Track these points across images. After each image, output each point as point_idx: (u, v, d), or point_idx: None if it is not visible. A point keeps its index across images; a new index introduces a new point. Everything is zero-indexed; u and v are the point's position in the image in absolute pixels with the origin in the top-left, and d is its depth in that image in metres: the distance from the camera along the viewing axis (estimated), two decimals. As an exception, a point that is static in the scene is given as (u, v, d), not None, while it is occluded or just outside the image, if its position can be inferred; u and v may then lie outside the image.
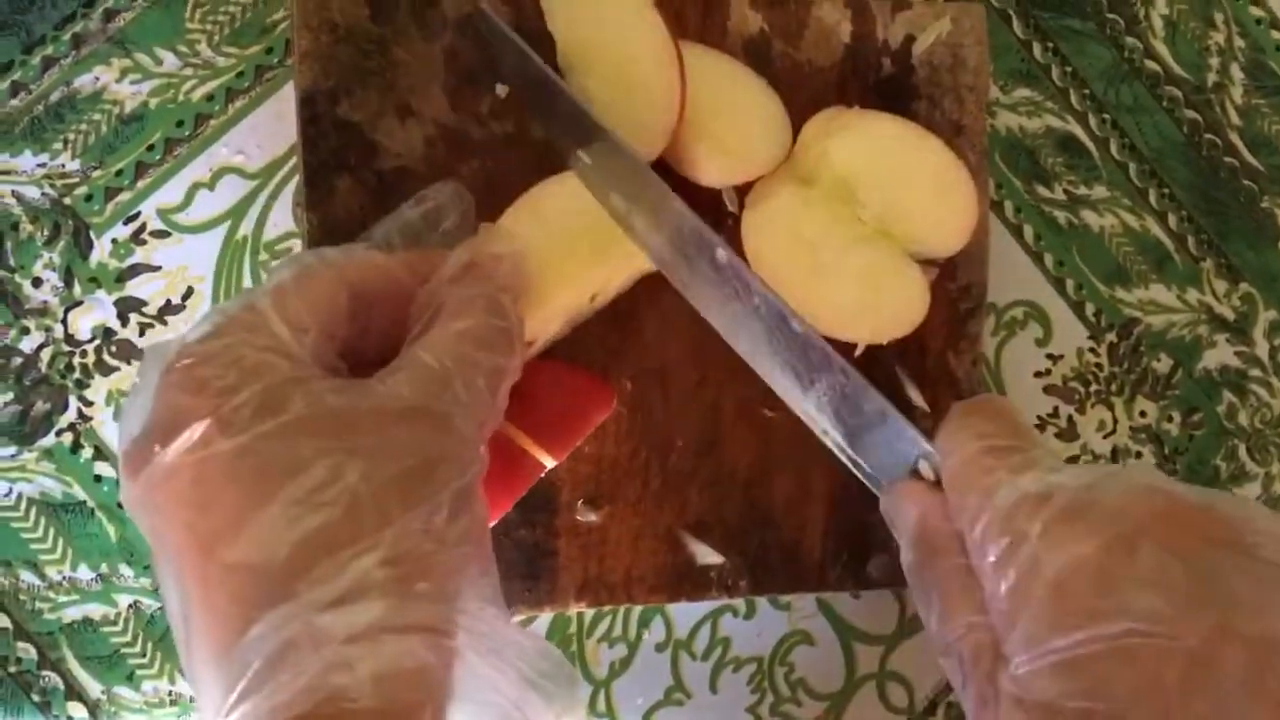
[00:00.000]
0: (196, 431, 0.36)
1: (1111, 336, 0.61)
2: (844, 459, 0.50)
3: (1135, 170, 0.61)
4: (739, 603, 0.57)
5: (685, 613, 0.57)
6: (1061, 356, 0.60)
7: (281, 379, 0.37)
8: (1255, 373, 0.62)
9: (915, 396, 0.55)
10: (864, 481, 0.50)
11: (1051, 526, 0.38)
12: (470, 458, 0.39)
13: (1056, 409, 0.60)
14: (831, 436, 0.49)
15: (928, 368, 0.56)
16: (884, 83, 0.56)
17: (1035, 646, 0.37)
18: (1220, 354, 0.62)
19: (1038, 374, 0.60)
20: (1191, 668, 0.34)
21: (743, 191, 0.53)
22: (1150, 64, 0.62)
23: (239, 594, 0.35)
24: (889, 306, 0.52)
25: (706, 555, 0.54)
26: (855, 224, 0.52)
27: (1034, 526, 0.38)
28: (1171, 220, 0.62)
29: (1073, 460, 0.60)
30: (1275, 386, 0.62)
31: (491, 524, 0.48)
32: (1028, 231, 0.60)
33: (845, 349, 0.53)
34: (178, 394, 0.37)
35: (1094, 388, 0.60)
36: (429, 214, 0.47)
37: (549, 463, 0.50)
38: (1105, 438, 0.60)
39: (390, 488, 0.36)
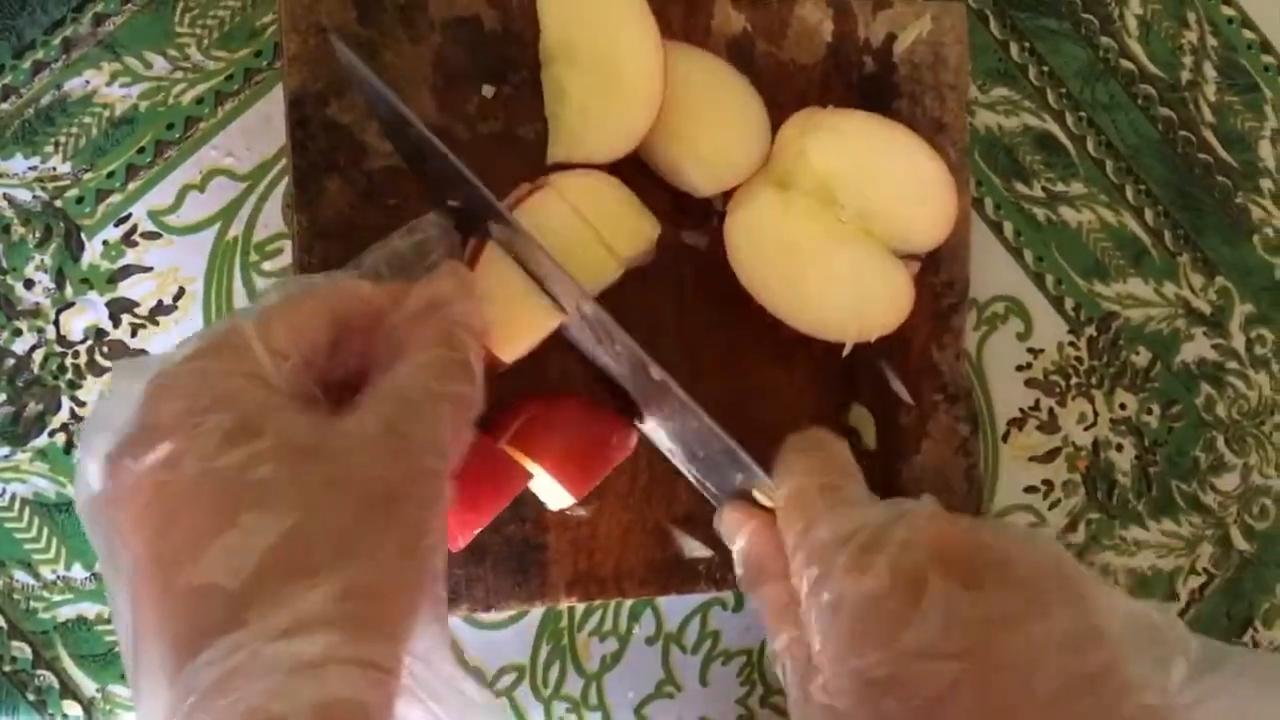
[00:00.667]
0: (163, 451, 0.36)
1: (1091, 330, 0.62)
2: (694, 481, 0.53)
3: (1112, 167, 0.63)
4: (728, 596, 0.58)
5: (675, 606, 0.58)
6: (1042, 350, 0.61)
7: (255, 406, 0.38)
8: (1232, 365, 0.63)
9: (900, 391, 0.56)
10: (709, 499, 0.52)
11: (853, 560, 0.42)
12: (435, 492, 0.40)
13: (1038, 402, 0.61)
14: (685, 465, 0.53)
15: (911, 362, 0.57)
16: (866, 81, 0.57)
17: (838, 665, 0.41)
18: (1198, 347, 0.63)
19: (1019, 368, 0.61)
20: (962, 680, 0.39)
21: (728, 192, 0.54)
22: (1125, 63, 0.63)
23: (191, 617, 0.35)
24: (874, 304, 0.53)
25: (695, 549, 0.54)
26: (836, 224, 0.53)
27: (839, 560, 0.42)
28: (1148, 216, 0.63)
29: (1054, 453, 0.61)
30: (1252, 379, 0.63)
31: (481, 527, 0.49)
32: (1008, 228, 0.61)
33: (833, 347, 0.53)
34: (154, 410, 0.37)
35: (1074, 381, 0.61)
36: (418, 245, 0.48)
37: (570, 499, 0.52)
38: (1086, 430, 0.61)
39: (349, 521, 0.37)
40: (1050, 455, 0.61)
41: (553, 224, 0.50)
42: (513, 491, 0.50)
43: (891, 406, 0.57)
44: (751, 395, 0.55)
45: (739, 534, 0.48)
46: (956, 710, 0.39)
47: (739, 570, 0.48)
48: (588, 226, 0.51)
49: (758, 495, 0.48)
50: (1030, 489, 0.61)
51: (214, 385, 0.38)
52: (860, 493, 0.46)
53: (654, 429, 0.52)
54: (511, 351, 0.49)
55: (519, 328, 0.49)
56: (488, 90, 0.53)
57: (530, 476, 0.50)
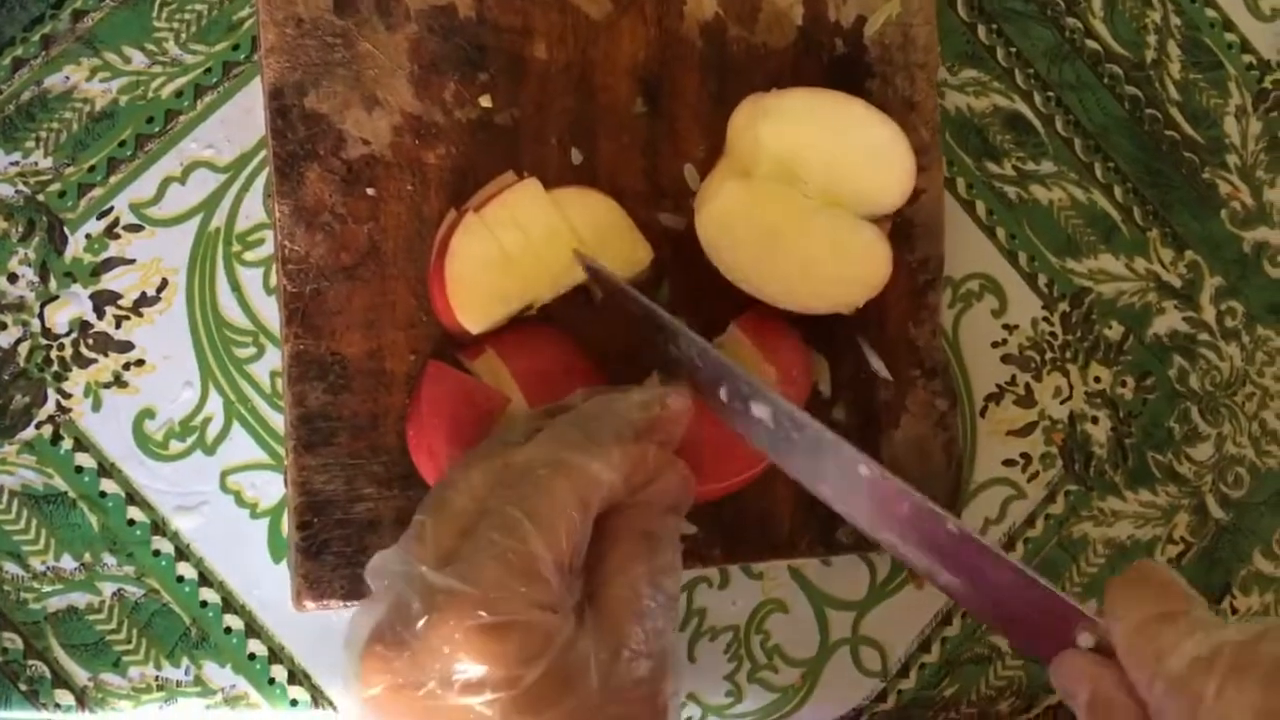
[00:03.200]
0: (488, 694, 0.38)
1: (1064, 306, 0.63)
2: (1010, 640, 0.51)
3: (1080, 145, 0.64)
4: (714, 573, 0.59)
5: (661, 584, 0.58)
6: (1017, 326, 0.62)
7: (563, 649, 0.39)
8: (1204, 337, 0.64)
9: (878, 366, 0.57)
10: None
11: (1225, 684, 0.39)
12: None
13: (1014, 377, 0.62)
14: (996, 624, 0.49)
15: (889, 338, 0.58)
16: (837, 63, 0.57)
17: None
18: (1169, 320, 0.64)
19: (995, 344, 0.62)
20: None
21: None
22: (1091, 43, 0.64)
23: None
24: (854, 270, 0.53)
25: (682, 526, 0.55)
26: (803, 201, 0.53)
27: (1209, 686, 0.39)
28: (1117, 193, 0.64)
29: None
30: (1223, 350, 0.64)
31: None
32: (980, 207, 0.62)
33: (813, 322, 0.54)
34: (481, 646, 0.38)
35: (1049, 355, 0.62)
36: (652, 422, 0.46)
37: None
38: (1062, 403, 0.62)
39: None
40: (1027, 429, 0.62)
41: (536, 226, 0.51)
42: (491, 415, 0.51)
43: (870, 382, 0.57)
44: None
45: (1080, 683, 0.44)
46: None
47: None
48: (575, 237, 0.52)
49: (1082, 640, 0.45)
50: (1008, 462, 0.62)
51: (530, 627, 0.39)
52: (1207, 615, 0.42)
53: (962, 593, 0.47)
54: (477, 323, 0.50)
55: (489, 301, 0.51)
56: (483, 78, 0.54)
57: (507, 401, 0.51)
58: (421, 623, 0.38)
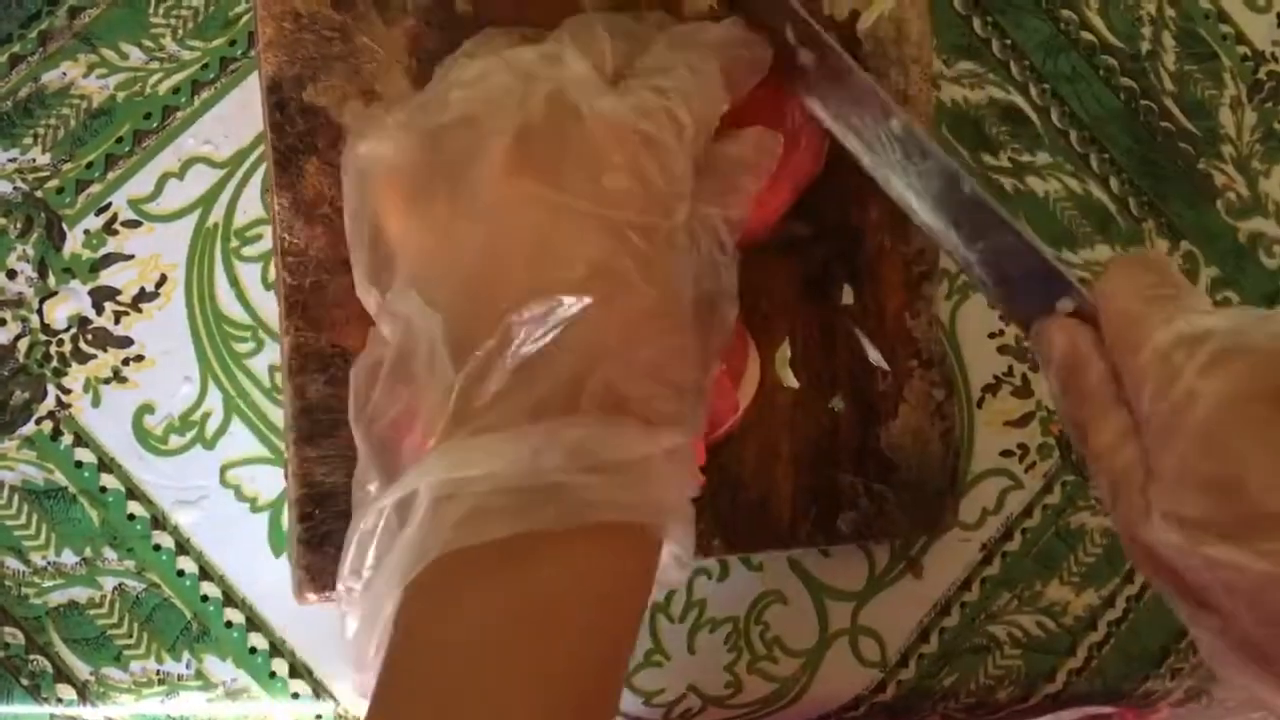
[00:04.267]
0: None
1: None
2: (996, 304, 0.50)
3: (1076, 137, 0.64)
4: (713, 565, 0.59)
5: (661, 576, 0.59)
6: (1014, 317, 0.62)
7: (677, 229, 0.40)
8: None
9: (875, 357, 0.57)
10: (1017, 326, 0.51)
11: (1207, 365, 0.39)
12: None
13: (1011, 368, 0.62)
14: (990, 286, 0.50)
15: (886, 329, 0.58)
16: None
17: (1190, 469, 0.39)
18: (1165, 310, 0.64)
19: (991, 335, 0.62)
20: None
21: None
22: (1086, 35, 0.64)
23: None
24: None
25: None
26: None
27: (1191, 364, 0.39)
28: (1113, 184, 0.64)
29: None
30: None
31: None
32: (976, 198, 0.62)
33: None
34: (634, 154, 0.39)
35: (1046, 346, 0.62)
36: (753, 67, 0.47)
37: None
38: (1059, 394, 0.62)
39: None
40: (1024, 419, 0.62)
41: None
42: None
43: (867, 373, 0.58)
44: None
45: (1057, 339, 0.46)
46: None
47: (1054, 383, 0.46)
48: None
49: (1063, 306, 0.46)
50: (1006, 453, 0.62)
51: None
52: (1202, 302, 0.43)
53: (974, 263, 0.49)
54: None
55: None
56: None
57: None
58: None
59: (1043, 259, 0.46)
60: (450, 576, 0.36)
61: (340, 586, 0.40)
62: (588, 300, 0.37)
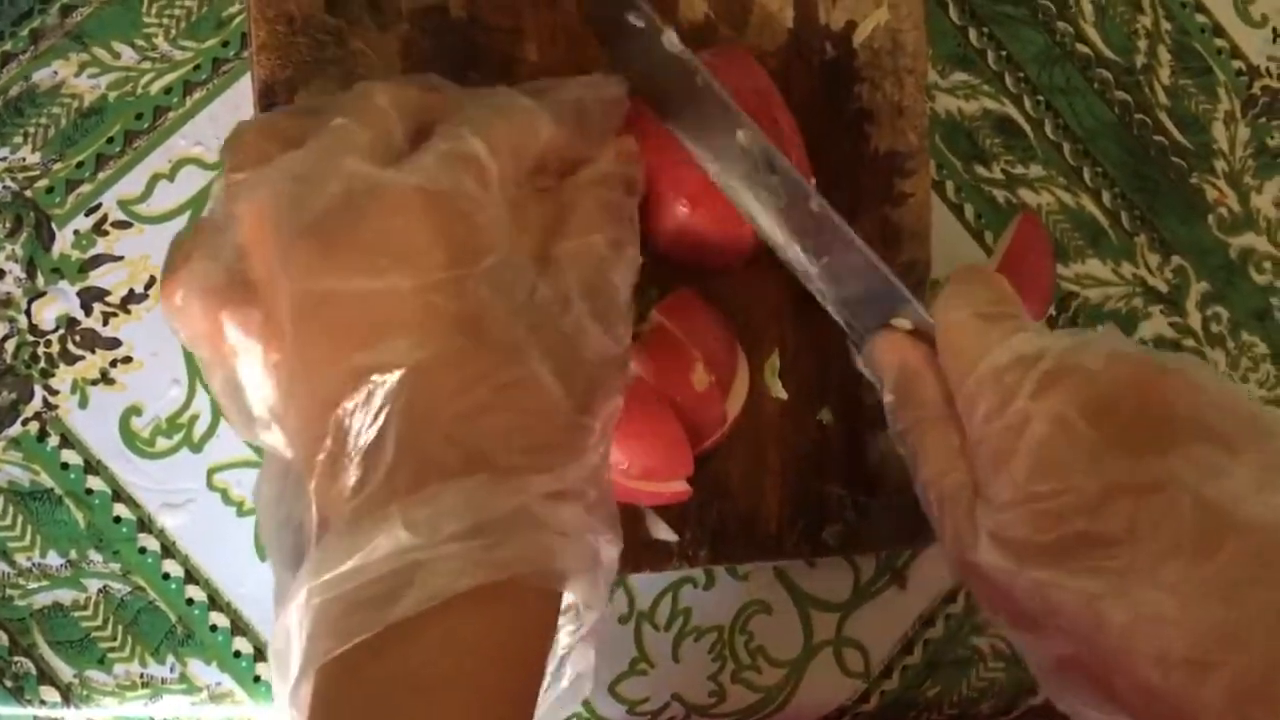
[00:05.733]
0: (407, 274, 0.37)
1: (1050, 310, 0.63)
2: (837, 318, 0.51)
3: (1069, 150, 0.64)
4: (699, 574, 0.59)
5: (647, 585, 0.59)
6: (1003, 330, 0.62)
7: (501, 267, 0.39)
8: (1189, 343, 0.64)
9: (864, 368, 0.57)
10: (852, 342, 0.51)
11: (1040, 386, 0.40)
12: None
13: (1000, 380, 0.62)
14: (836, 309, 0.51)
15: (875, 341, 0.58)
16: (827, 66, 0.57)
17: (1014, 492, 0.40)
18: (1155, 325, 0.64)
19: (981, 347, 0.62)
20: (1138, 515, 0.38)
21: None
22: (1081, 47, 0.64)
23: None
24: None
25: (665, 531, 0.55)
26: None
27: (1024, 385, 0.41)
28: (1105, 197, 0.64)
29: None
30: (1208, 355, 0.64)
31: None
32: (968, 210, 0.62)
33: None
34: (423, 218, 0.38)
35: (1035, 359, 0.62)
36: (606, 106, 0.46)
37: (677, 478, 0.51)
38: (1047, 407, 0.62)
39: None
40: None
41: None
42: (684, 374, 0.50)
43: (856, 385, 0.57)
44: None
45: (889, 355, 0.47)
46: (1151, 546, 0.38)
47: (888, 398, 0.47)
48: None
49: (898, 323, 0.48)
50: (993, 465, 0.62)
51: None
52: (1030, 323, 0.44)
53: (814, 277, 0.50)
54: None
55: None
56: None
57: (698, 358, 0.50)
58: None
59: (883, 277, 0.47)
60: (339, 678, 0.35)
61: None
62: (400, 371, 0.36)
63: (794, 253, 0.49)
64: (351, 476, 0.36)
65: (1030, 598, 0.40)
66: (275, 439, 0.39)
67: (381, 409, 0.35)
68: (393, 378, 0.36)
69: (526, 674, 0.38)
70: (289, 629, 0.36)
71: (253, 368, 0.38)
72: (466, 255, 0.37)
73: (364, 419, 0.36)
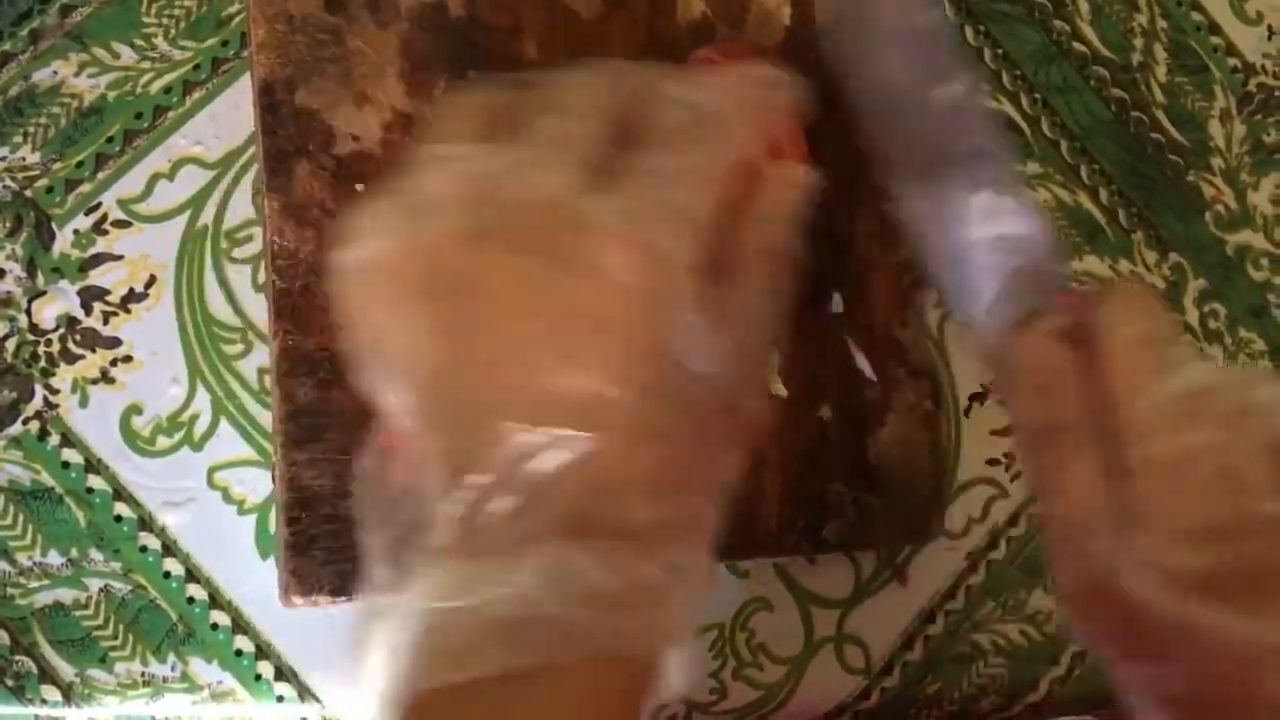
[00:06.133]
0: None
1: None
2: (947, 284, 0.49)
3: (1066, 147, 0.64)
4: (699, 571, 0.59)
5: (647, 582, 0.59)
6: (1002, 327, 0.62)
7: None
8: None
9: (864, 365, 0.57)
10: (962, 315, 0.49)
11: (1224, 418, 0.40)
12: None
13: (999, 377, 0.62)
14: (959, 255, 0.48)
15: (875, 338, 0.58)
16: (824, 63, 0.58)
17: (1191, 521, 0.39)
18: (1153, 321, 0.64)
19: (980, 344, 0.62)
20: None
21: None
22: (1078, 45, 0.65)
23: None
24: None
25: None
26: None
27: (1206, 415, 0.40)
28: (1102, 195, 0.64)
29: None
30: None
31: None
32: (966, 208, 0.62)
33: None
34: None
35: (1034, 356, 0.63)
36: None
37: None
38: (1046, 404, 0.63)
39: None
40: (1010, 429, 0.62)
41: None
42: None
43: (856, 382, 0.58)
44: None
45: (1033, 365, 0.44)
46: None
47: (1025, 401, 0.44)
48: None
49: (1042, 323, 0.45)
50: (992, 462, 0.62)
51: None
52: (1191, 350, 0.44)
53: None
54: None
55: None
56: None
57: None
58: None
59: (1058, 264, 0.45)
60: (435, 712, 0.34)
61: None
62: (590, 435, 0.34)
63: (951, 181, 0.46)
64: (498, 508, 0.34)
65: (1177, 632, 0.39)
66: (403, 415, 0.37)
67: (554, 455, 0.34)
68: (580, 439, 0.34)
69: None
70: (390, 632, 0.35)
71: (410, 341, 0.36)
72: (659, 312, 0.35)
73: (540, 457, 0.34)
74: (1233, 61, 0.66)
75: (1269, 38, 0.66)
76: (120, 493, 0.55)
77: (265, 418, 0.56)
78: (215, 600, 0.55)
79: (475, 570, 0.34)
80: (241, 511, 0.55)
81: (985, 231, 0.46)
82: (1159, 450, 0.40)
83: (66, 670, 0.54)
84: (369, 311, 0.37)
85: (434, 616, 0.34)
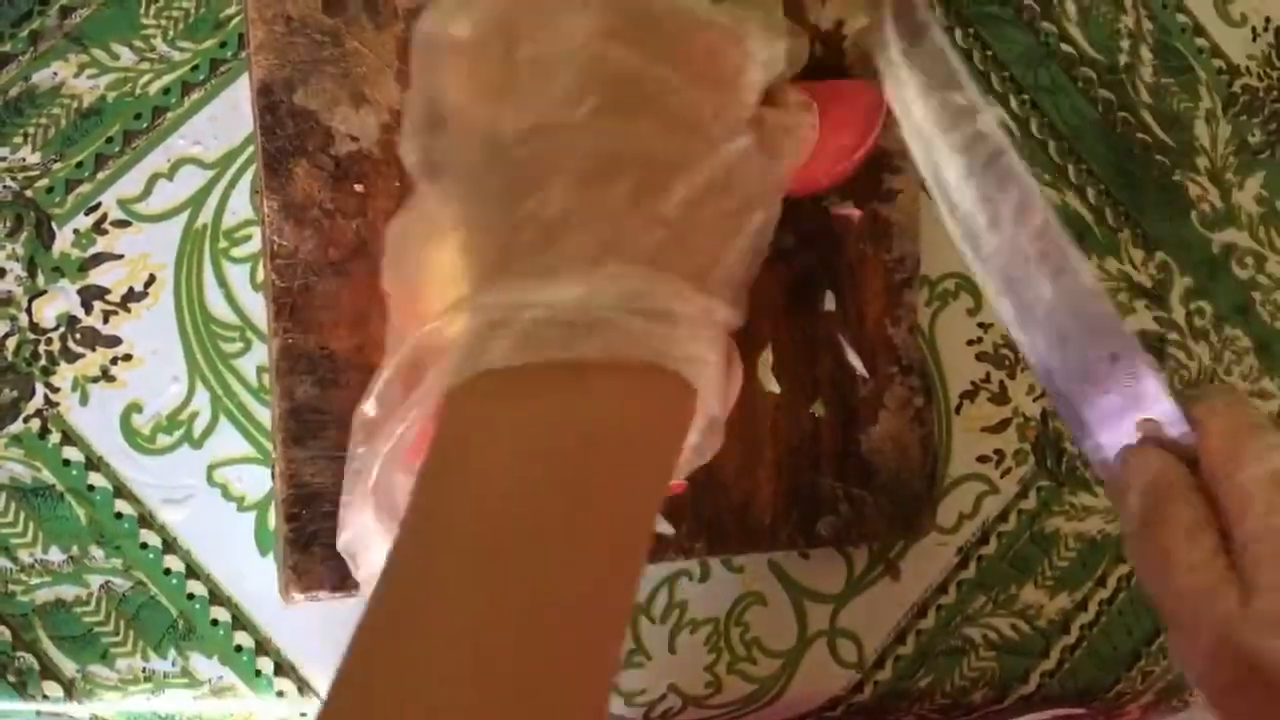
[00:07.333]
0: None
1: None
2: (1059, 406, 0.50)
3: (1054, 148, 0.65)
4: (694, 567, 0.60)
5: (643, 578, 0.59)
6: (992, 324, 0.63)
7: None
8: (1173, 336, 0.65)
9: (855, 363, 0.58)
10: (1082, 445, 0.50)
11: None
12: None
13: (989, 374, 0.63)
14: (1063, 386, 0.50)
15: (867, 335, 0.59)
16: (816, 65, 0.58)
17: None
18: (1140, 320, 0.65)
19: (970, 341, 0.63)
20: None
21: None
22: (1065, 47, 0.65)
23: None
24: None
25: (661, 524, 0.56)
26: None
27: None
28: (1090, 194, 0.65)
29: (1005, 422, 0.63)
30: (1192, 349, 0.66)
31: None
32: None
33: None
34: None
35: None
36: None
37: None
38: (1035, 400, 0.63)
39: None
40: (1001, 425, 0.63)
41: None
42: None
43: (849, 379, 0.58)
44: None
45: (1149, 465, 0.47)
46: None
47: (1135, 503, 0.46)
48: None
49: (1139, 432, 0.48)
50: (982, 458, 0.63)
51: None
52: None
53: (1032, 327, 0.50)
54: None
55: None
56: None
57: None
58: None
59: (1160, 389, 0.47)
60: (491, 399, 0.36)
61: (365, 406, 0.42)
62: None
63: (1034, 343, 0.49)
64: (563, 228, 0.37)
65: None
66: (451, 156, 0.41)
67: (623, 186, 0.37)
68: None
69: (664, 465, 0.40)
70: (465, 324, 0.37)
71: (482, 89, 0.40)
72: (732, 104, 0.41)
73: (601, 182, 0.37)
74: (1218, 63, 0.67)
75: (1253, 39, 0.67)
76: (121, 490, 0.55)
77: (264, 415, 0.56)
78: (215, 596, 0.56)
79: (536, 282, 0.36)
80: (241, 508, 0.56)
81: (1137, 416, 0.49)
82: (1264, 525, 0.42)
83: (68, 666, 0.55)
84: (436, 75, 0.41)
85: (494, 312, 0.37)
